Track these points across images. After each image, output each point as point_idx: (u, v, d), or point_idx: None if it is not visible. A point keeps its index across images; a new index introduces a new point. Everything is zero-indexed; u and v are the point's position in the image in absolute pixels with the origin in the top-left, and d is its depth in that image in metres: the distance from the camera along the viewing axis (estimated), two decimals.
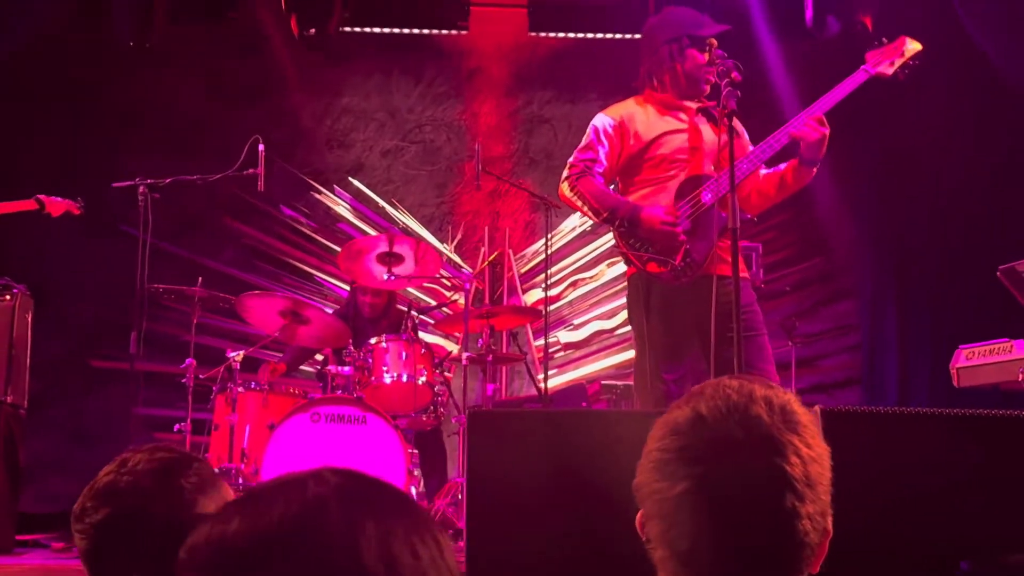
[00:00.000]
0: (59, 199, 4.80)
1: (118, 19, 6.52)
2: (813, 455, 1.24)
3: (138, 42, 6.50)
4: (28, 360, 5.30)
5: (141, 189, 5.39)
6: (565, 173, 3.76)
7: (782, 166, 3.71)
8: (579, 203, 3.69)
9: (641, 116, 3.74)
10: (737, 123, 3.75)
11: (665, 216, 3.53)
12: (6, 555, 4.79)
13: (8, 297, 5.06)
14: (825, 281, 7.32)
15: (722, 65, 3.38)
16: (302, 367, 6.63)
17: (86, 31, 6.85)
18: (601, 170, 3.71)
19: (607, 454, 2.41)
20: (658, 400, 3.46)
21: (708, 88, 3.60)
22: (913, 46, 3.66)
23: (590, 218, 3.79)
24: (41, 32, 6.05)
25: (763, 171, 3.75)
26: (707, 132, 3.67)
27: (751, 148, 3.70)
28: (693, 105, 3.75)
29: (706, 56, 3.62)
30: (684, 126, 3.72)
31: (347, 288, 6.94)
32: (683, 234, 3.52)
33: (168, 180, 5.85)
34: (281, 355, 6.04)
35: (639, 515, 1.29)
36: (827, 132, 3.54)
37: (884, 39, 3.68)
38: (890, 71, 3.62)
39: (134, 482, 1.64)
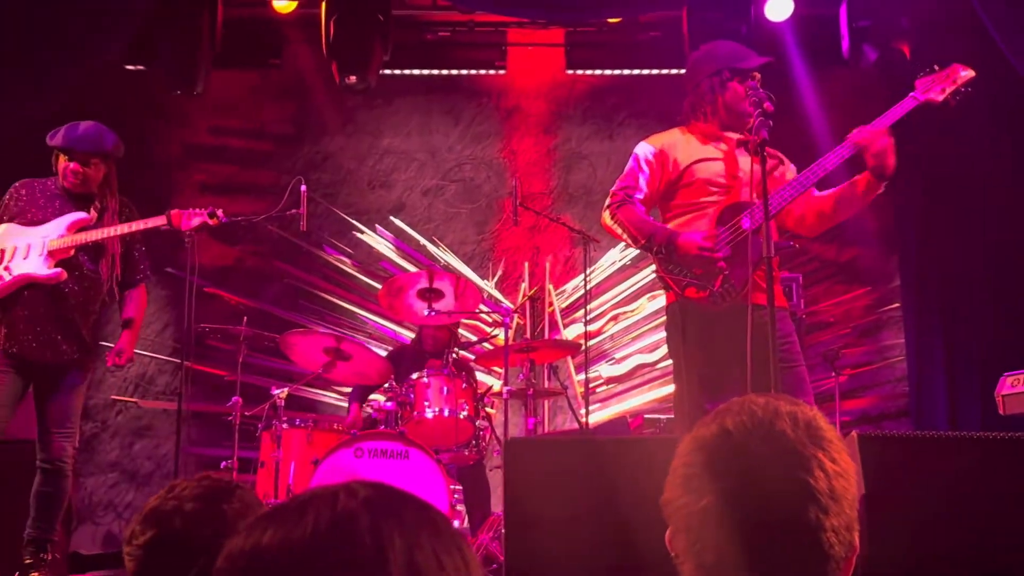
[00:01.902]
0: (190, 211, 4.69)
1: (165, 66, 6.70)
2: (838, 470, 1.25)
3: (185, 89, 6.67)
4: (81, 401, 5.40)
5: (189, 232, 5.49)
6: (607, 201, 3.80)
7: (847, 184, 3.68)
8: (619, 231, 3.73)
9: (682, 144, 3.79)
10: (780, 154, 3.78)
11: (703, 241, 3.54)
12: None
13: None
14: (869, 312, 7.26)
15: (754, 95, 3.40)
16: (341, 402, 6.70)
17: (134, 77, 7.05)
18: (641, 197, 3.75)
19: (644, 481, 2.41)
20: (694, 417, 3.44)
21: (751, 120, 3.61)
22: (966, 73, 3.64)
23: (630, 245, 3.82)
24: (89, 78, 6.22)
25: (819, 192, 3.74)
26: (745, 162, 3.69)
27: (794, 175, 3.70)
28: (734, 136, 3.78)
29: (744, 88, 3.64)
30: (722, 155, 3.75)
31: (388, 326, 7.03)
32: (722, 260, 3.52)
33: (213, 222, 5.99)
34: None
35: (668, 531, 1.31)
36: (892, 141, 3.51)
37: (936, 66, 3.66)
38: (940, 98, 3.60)
39: (178, 506, 1.70)
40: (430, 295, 5.27)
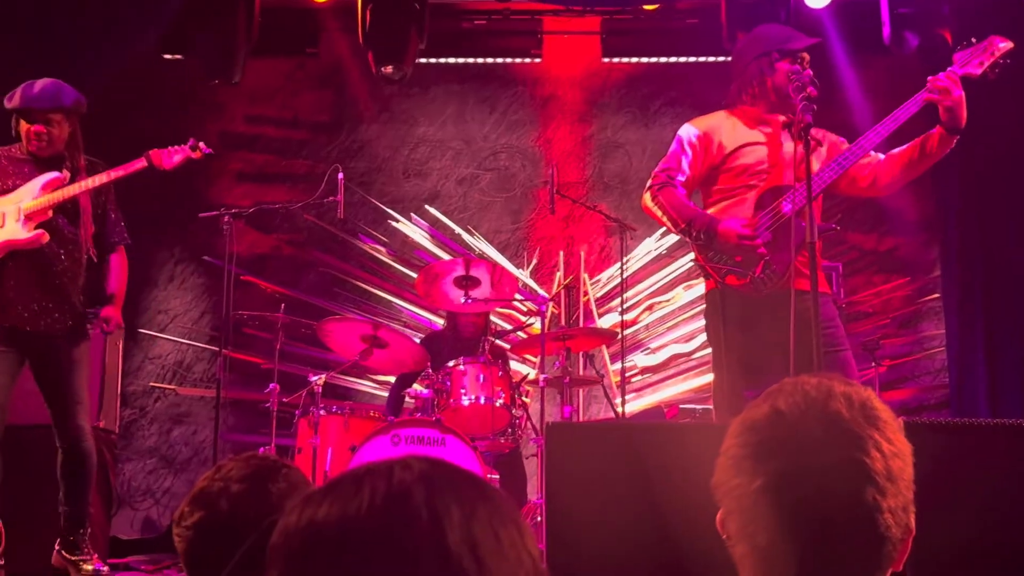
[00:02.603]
0: (171, 149, 4.47)
1: (203, 56, 6.74)
2: (895, 450, 1.23)
3: (223, 79, 6.70)
4: (119, 387, 5.46)
5: (226, 219, 5.53)
6: (648, 183, 3.77)
7: (918, 140, 3.63)
8: (659, 213, 3.70)
9: (727, 127, 3.75)
10: (823, 133, 3.73)
11: (742, 229, 3.51)
12: None
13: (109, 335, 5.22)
14: (909, 302, 7.18)
15: (798, 80, 3.37)
16: (376, 391, 6.73)
17: (171, 67, 7.10)
18: (683, 179, 3.72)
19: (684, 466, 2.39)
20: (734, 405, 3.42)
21: (797, 107, 3.57)
22: (1004, 45, 3.57)
23: (669, 229, 3.79)
24: (126, 68, 6.26)
25: (880, 155, 3.71)
26: (789, 145, 3.65)
27: (844, 148, 3.66)
28: (781, 119, 3.74)
29: (794, 68, 3.61)
30: (766, 139, 3.72)
31: (423, 314, 7.04)
32: (763, 246, 3.48)
33: (251, 209, 6.03)
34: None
35: (719, 513, 1.29)
36: (963, 94, 3.47)
37: (973, 39, 3.60)
38: (979, 71, 3.53)
39: (225, 487, 1.71)
40: (467, 283, 5.27)
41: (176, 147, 4.50)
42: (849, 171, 3.58)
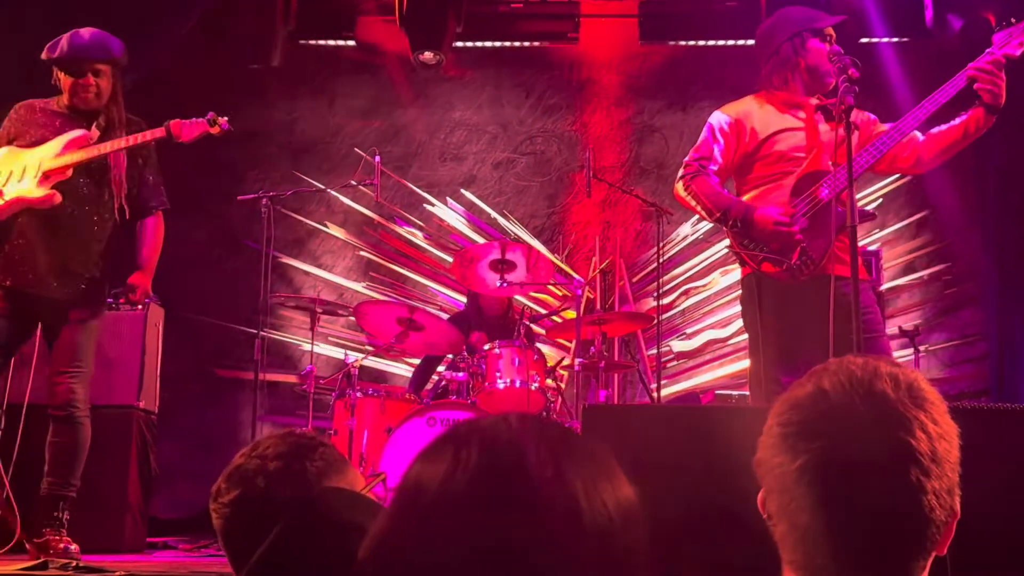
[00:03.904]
0: (191, 121, 4.25)
1: (242, 40, 6.77)
2: (940, 432, 1.21)
3: (262, 63, 6.74)
4: (159, 369, 5.52)
5: (264, 202, 5.57)
6: (680, 172, 3.74)
7: (956, 121, 3.61)
8: (693, 203, 3.67)
9: (759, 113, 3.71)
10: (861, 115, 3.69)
11: (779, 216, 3.48)
12: (138, 554, 5.00)
13: (140, 308, 5.27)
14: (949, 288, 7.09)
15: (839, 61, 3.32)
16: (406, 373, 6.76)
17: (211, 51, 7.14)
18: (716, 168, 3.69)
19: (722, 449, 2.38)
20: (771, 390, 3.40)
21: (832, 81, 3.54)
22: None
23: (703, 218, 3.75)
24: (166, 51, 6.31)
25: (919, 134, 3.68)
26: (824, 129, 3.62)
27: (881, 132, 3.62)
28: (814, 102, 3.70)
29: (827, 46, 3.58)
30: (802, 124, 3.68)
31: (459, 298, 7.05)
32: (799, 232, 3.46)
33: (289, 192, 6.07)
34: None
35: (760, 493, 1.28)
36: (1003, 74, 3.46)
37: (1012, 19, 3.55)
38: (1019, 51, 3.48)
39: (261, 465, 1.71)
40: (502, 266, 5.28)
41: (196, 119, 4.31)
42: (888, 152, 3.55)
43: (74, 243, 4.11)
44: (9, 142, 4.13)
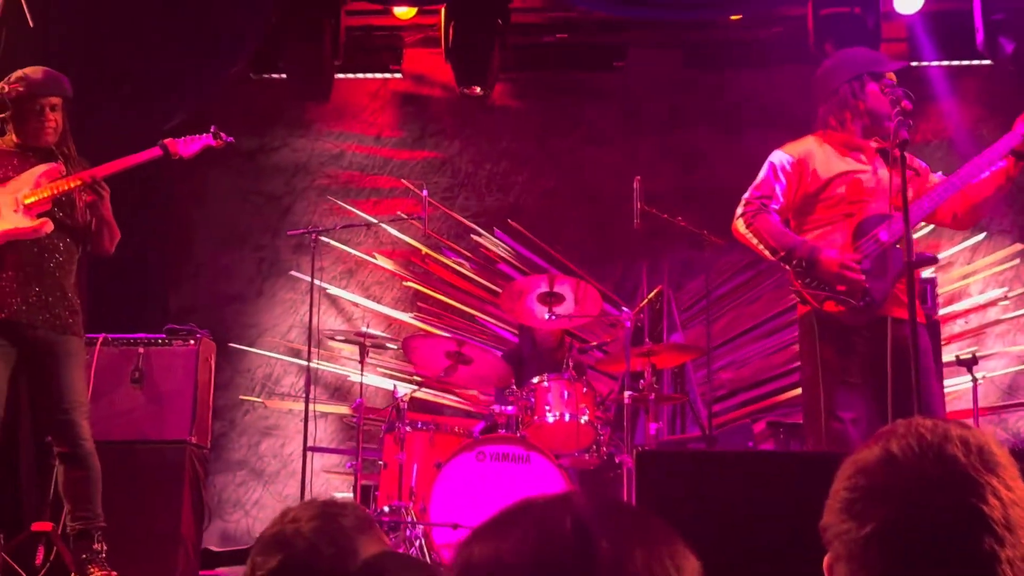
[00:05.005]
0: (189, 138, 4.32)
1: (292, 76, 6.87)
2: (1014, 498, 1.18)
3: (313, 98, 6.83)
4: (211, 402, 5.57)
5: (313, 235, 5.63)
6: (740, 210, 3.73)
7: (986, 174, 3.62)
8: (754, 240, 3.67)
9: (820, 154, 3.71)
10: (919, 162, 3.69)
11: (844, 259, 3.50)
12: None
13: (193, 342, 5.33)
14: (1006, 313, 6.95)
15: (892, 94, 3.30)
16: (460, 405, 6.76)
17: (260, 86, 7.26)
18: (777, 207, 3.69)
19: (777, 496, 2.34)
20: (833, 439, 3.38)
21: (891, 126, 3.53)
22: None
23: (763, 256, 3.74)
24: (216, 89, 6.41)
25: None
26: (884, 172, 3.62)
27: (936, 181, 3.63)
28: (873, 145, 3.70)
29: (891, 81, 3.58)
30: (864, 167, 3.68)
31: (509, 329, 7.04)
32: (862, 274, 3.46)
33: (338, 227, 6.13)
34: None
35: (827, 557, 1.26)
36: None
37: None
38: None
39: (298, 528, 1.69)
40: (550, 299, 5.26)
41: (195, 136, 4.40)
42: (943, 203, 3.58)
43: (60, 273, 4.19)
44: None
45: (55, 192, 4.12)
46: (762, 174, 3.74)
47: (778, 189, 3.69)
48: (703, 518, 2.41)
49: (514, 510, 0.96)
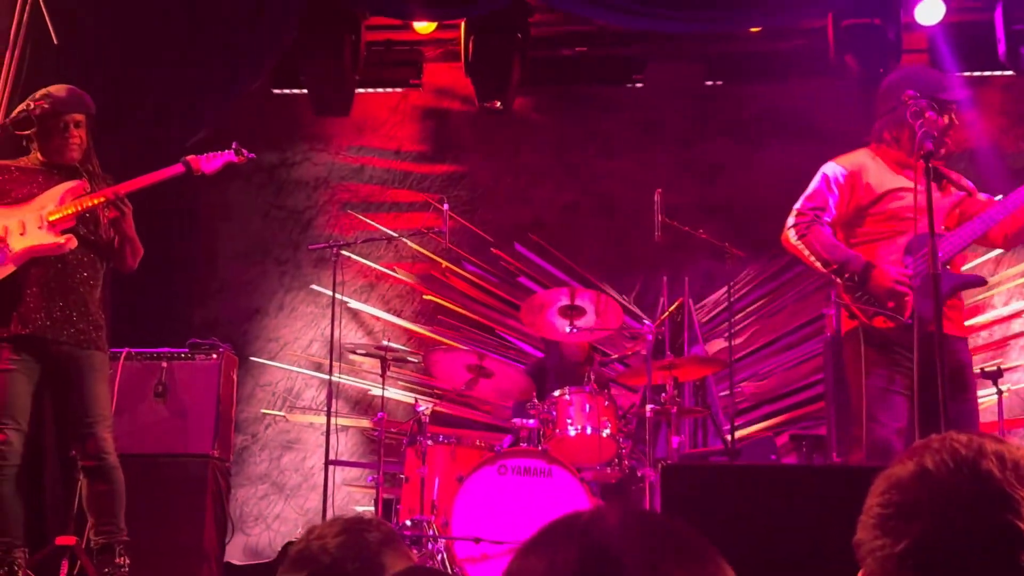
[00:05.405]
0: (211, 154, 4.37)
1: (313, 91, 6.91)
2: None
3: (334, 113, 6.87)
4: (233, 415, 5.59)
5: (334, 250, 5.65)
6: (791, 221, 3.76)
7: None
8: (805, 252, 3.69)
9: (873, 169, 3.74)
10: (967, 182, 3.70)
11: (897, 275, 3.51)
12: None
13: (215, 356, 5.35)
14: None
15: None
16: (484, 419, 6.75)
17: (280, 101, 7.31)
18: (829, 219, 3.71)
19: (803, 510, 2.33)
20: (875, 447, 3.42)
21: (945, 151, 3.56)
22: None
23: (814, 268, 3.77)
24: (238, 104, 6.45)
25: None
26: (935, 193, 3.65)
27: (983, 200, 3.65)
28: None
29: (946, 119, 3.58)
30: (912, 185, 3.69)
31: (529, 342, 7.03)
32: (911, 291, 3.47)
33: (359, 241, 6.15)
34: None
35: (860, 574, 1.24)
36: None
37: None
38: None
39: (323, 544, 1.70)
40: (572, 312, 5.26)
41: (217, 152, 4.45)
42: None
43: (84, 288, 4.21)
44: None
45: (79, 209, 4.17)
46: (814, 185, 3.77)
47: (831, 201, 3.72)
48: (730, 532, 2.39)
49: (557, 527, 0.96)
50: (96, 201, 4.19)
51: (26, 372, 4.13)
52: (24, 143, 4.34)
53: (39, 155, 4.30)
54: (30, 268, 4.14)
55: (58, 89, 4.28)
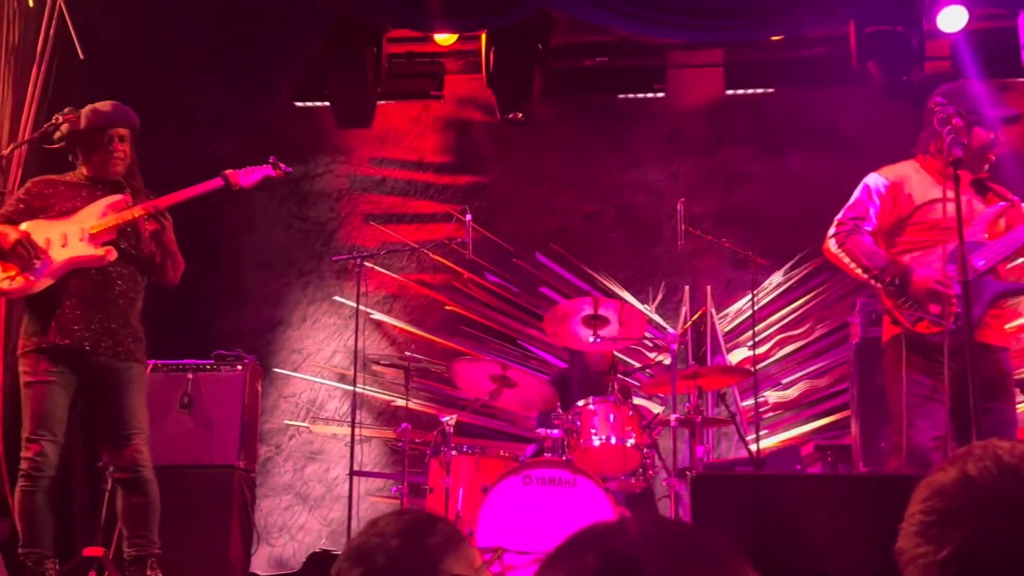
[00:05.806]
0: (249, 168, 4.44)
1: (336, 103, 6.94)
2: None
3: (356, 125, 6.90)
4: (258, 426, 5.61)
5: (357, 261, 5.67)
6: (832, 230, 3.80)
7: None
8: (846, 260, 3.72)
9: (915, 179, 3.76)
10: (1011, 195, 3.71)
11: (940, 278, 3.49)
12: None
13: (240, 367, 5.38)
14: None
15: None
16: (508, 429, 6.74)
17: (303, 113, 7.35)
18: (870, 229, 3.74)
19: (837, 520, 2.31)
20: (912, 450, 3.40)
21: (988, 166, 3.57)
22: None
23: (855, 276, 3.80)
24: (260, 117, 6.49)
25: None
26: (978, 204, 3.67)
27: None
28: (970, 177, 3.72)
29: (992, 135, 3.59)
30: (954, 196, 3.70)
31: (552, 352, 7.03)
32: (955, 298, 3.47)
33: (381, 252, 6.18)
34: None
35: None
36: None
37: None
38: None
39: (381, 543, 1.69)
40: (595, 322, 5.25)
41: (254, 167, 4.51)
42: None
43: (124, 301, 4.25)
44: (32, 216, 4.24)
45: (120, 221, 4.23)
46: (856, 195, 3.81)
47: (872, 211, 3.75)
48: (760, 541, 2.39)
49: (580, 538, 0.96)
50: (136, 214, 4.24)
51: (63, 384, 4.15)
52: (70, 159, 4.41)
53: (84, 170, 4.37)
54: (70, 279, 4.18)
55: (103, 104, 4.36)
